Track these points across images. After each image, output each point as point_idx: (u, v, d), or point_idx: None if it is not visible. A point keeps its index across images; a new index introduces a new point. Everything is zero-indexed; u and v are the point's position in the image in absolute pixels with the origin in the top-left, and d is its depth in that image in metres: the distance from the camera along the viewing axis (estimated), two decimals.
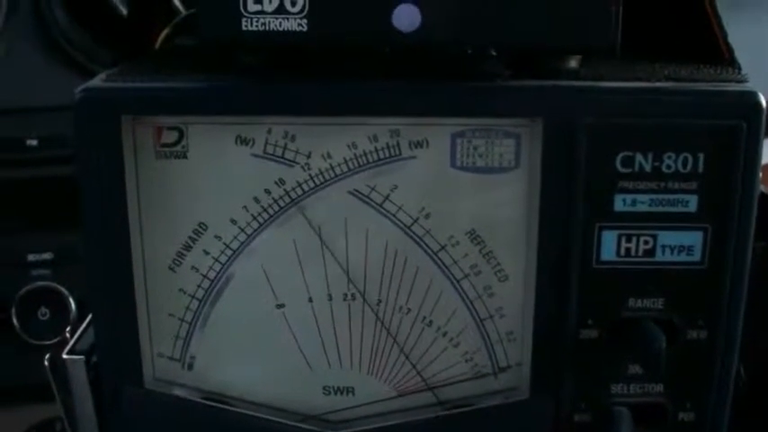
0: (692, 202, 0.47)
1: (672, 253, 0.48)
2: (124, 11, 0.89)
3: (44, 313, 0.90)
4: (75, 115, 0.47)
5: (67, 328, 0.56)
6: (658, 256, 0.48)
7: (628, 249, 0.48)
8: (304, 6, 0.45)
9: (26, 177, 0.91)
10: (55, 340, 0.87)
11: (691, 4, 0.52)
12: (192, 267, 0.50)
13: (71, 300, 0.90)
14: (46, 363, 0.54)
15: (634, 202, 0.47)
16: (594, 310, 0.49)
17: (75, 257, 0.90)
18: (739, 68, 0.51)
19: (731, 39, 0.51)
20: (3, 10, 0.91)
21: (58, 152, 0.90)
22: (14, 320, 0.90)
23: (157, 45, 0.60)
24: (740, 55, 0.51)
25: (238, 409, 0.52)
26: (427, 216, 0.49)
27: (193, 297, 0.51)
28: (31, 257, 0.92)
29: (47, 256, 0.92)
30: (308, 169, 0.48)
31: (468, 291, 0.50)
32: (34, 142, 0.91)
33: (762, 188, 0.48)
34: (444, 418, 0.51)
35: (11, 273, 0.92)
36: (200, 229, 0.49)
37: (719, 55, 0.52)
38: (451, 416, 0.51)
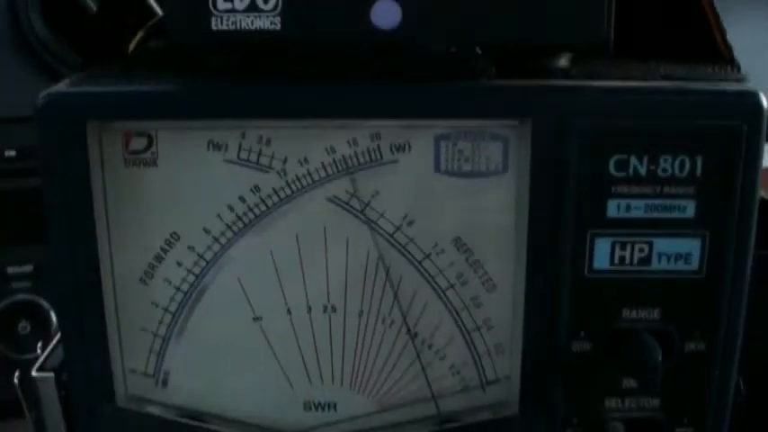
0: (690, 208, 0.45)
1: (668, 261, 0.46)
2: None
3: (24, 327, 0.88)
4: (38, 122, 0.45)
5: (39, 344, 0.54)
6: (654, 265, 0.46)
7: (622, 258, 0.46)
8: (277, 3, 0.43)
9: (5, 189, 0.89)
10: (35, 355, 0.85)
11: (687, 2, 0.50)
12: (165, 279, 0.48)
13: (52, 313, 0.88)
14: (15, 380, 0.52)
15: (628, 208, 0.45)
16: (587, 322, 0.46)
17: None
18: (739, 68, 0.48)
19: None
20: None
21: (37, 163, 0.87)
22: None
23: (130, 50, 0.57)
24: None
25: (215, 427, 0.50)
26: (410, 223, 0.47)
27: (166, 310, 0.48)
28: (10, 270, 0.90)
29: (27, 268, 0.90)
30: (285, 175, 0.46)
31: (455, 301, 0.48)
32: (12, 153, 0.88)
33: (762, 193, 0.46)
34: None
35: None
36: (172, 240, 0.47)
37: (718, 54, 0.49)
38: None
